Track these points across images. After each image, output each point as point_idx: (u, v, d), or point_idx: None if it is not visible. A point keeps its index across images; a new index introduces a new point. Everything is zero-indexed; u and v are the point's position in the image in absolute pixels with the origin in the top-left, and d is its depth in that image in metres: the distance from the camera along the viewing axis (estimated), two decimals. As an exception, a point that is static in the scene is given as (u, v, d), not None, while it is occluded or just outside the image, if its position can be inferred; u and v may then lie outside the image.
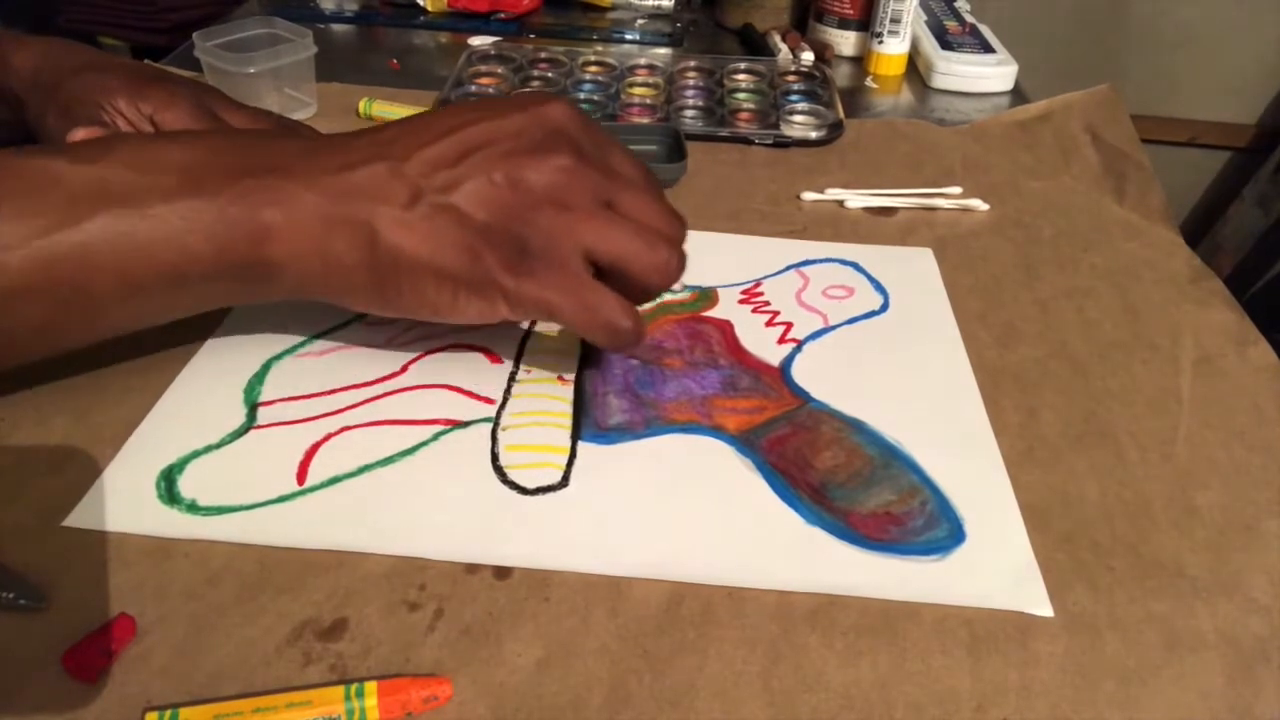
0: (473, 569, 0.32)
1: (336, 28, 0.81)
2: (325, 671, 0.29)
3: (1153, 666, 0.30)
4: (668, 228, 0.37)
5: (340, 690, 0.27)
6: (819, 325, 0.45)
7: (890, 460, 0.37)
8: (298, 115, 0.63)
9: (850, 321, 0.45)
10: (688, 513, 0.35)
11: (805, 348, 0.43)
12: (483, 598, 0.31)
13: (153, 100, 0.51)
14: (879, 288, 0.48)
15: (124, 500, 0.34)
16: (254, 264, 0.34)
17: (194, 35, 0.61)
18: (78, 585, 0.31)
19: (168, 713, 0.27)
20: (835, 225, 0.54)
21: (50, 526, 0.33)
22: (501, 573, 0.32)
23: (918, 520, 0.35)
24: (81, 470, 0.35)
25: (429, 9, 0.81)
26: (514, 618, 0.31)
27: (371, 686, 0.27)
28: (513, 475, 0.36)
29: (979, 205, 0.56)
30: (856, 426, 0.39)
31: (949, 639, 0.31)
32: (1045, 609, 0.32)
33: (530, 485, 0.35)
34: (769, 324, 0.45)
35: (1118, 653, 0.31)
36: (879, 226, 0.54)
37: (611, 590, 0.32)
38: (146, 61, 0.59)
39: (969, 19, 0.80)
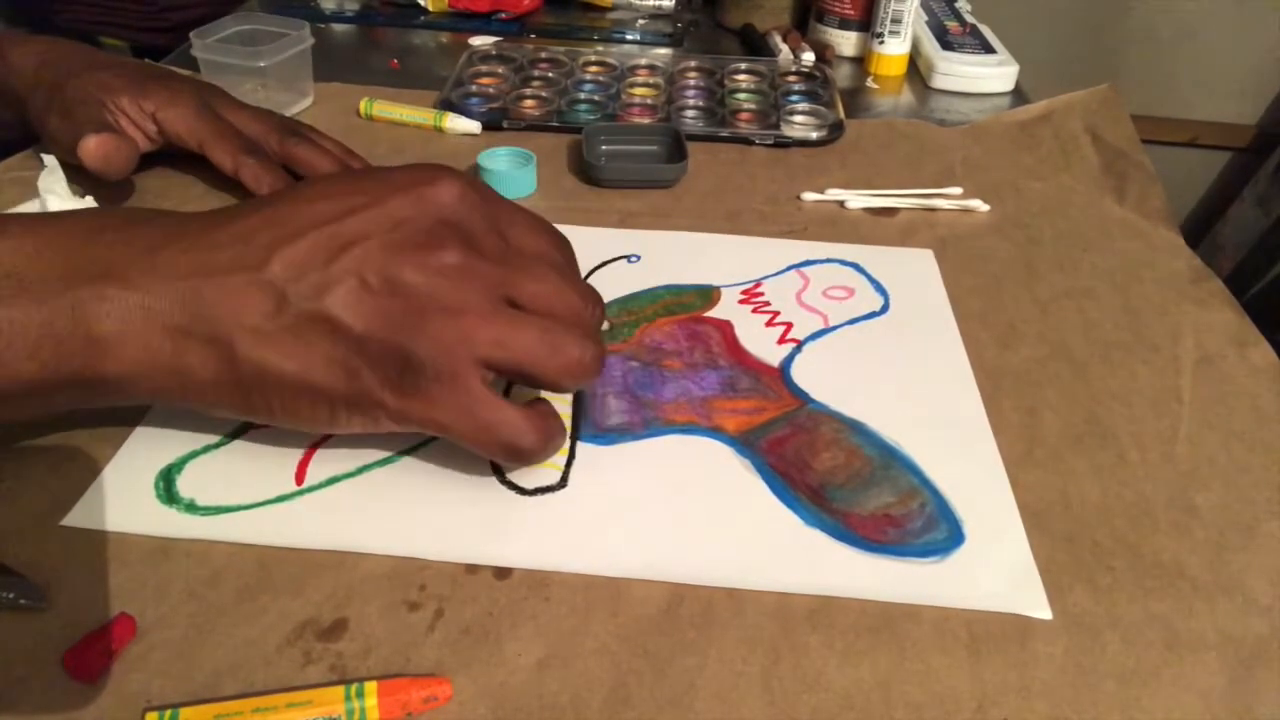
0: (473, 569, 0.32)
1: (337, 27, 0.81)
2: (325, 671, 0.29)
3: (1153, 667, 0.30)
4: (579, 312, 0.33)
5: (340, 690, 0.27)
6: (819, 326, 0.45)
7: (890, 462, 0.37)
8: (297, 108, 0.63)
9: (850, 322, 0.45)
10: (687, 514, 0.35)
11: (805, 348, 0.43)
12: (483, 598, 0.31)
13: (155, 98, 0.51)
14: (879, 288, 0.48)
15: (122, 500, 0.34)
16: (92, 380, 0.30)
17: (191, 34, 0.61)
18: (78, 585, 0.31)
19: (168, 713, 0.27)
20: (835, 226, 0.54)
21: (50, 526, 0.33)
22: (501, 573, 0.32)
23: (917, 522, 0.35)
24: (81, 470, 0.35)
25: (429, 9, 0.81)
26: (514, 618, 0.31)
27: (371, 686, 0.28)
28: (511, 476, 0.36)
29: (979, 206, 0.56)
30: (856, 428, 0.39)
31: (949, 639, 0.31)
32: (1044, 611, 0.32)
33: (529, 486, 0.35)
34: (769, 324, 0.45)
35: (1118, 653, 0.31)
36: (879, 227, 0.54)
37: (611, 590, 0.32)
38: (147, 61, 0.59)
39: (969, 19, 0.80)
